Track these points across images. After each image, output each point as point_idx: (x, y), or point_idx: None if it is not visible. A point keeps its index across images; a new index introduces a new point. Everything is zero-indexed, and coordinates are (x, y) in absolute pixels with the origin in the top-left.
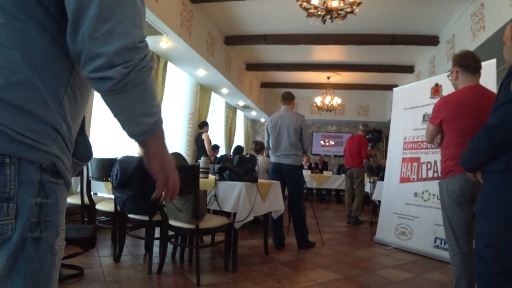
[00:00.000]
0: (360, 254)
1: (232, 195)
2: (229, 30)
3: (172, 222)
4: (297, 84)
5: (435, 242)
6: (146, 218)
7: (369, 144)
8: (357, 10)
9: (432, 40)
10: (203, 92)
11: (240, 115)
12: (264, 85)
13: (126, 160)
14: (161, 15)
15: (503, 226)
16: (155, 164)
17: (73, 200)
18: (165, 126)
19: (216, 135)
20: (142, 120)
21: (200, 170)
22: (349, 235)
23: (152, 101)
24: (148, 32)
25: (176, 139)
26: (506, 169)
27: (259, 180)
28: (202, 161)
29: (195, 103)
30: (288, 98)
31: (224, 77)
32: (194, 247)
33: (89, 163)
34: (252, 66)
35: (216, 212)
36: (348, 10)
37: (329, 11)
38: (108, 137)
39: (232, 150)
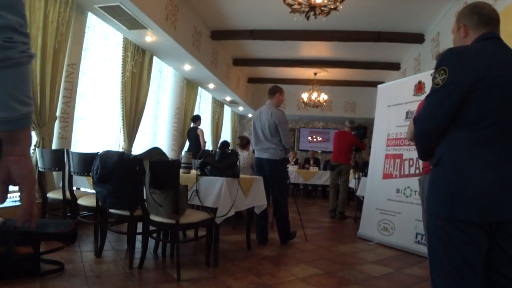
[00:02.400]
0: (342, 249)
1: (213, 190)
2: (215, 24)
3: (153, 217)
4: (285, 79)
5: (416, 237)
6: (127, 213)
7: None
8: (341, 7)
9: (417, 38)
10: (190, 87)
11: (227, 110)
12: (251, 80)
13: (107, 154)
14: (145, 8)
15: (441, 221)
16: (20, 170)
17: (55, 195)
18: (151, 121)
19: (203, 129)
20: (15, 106)
21: (182, 165)
22: (333, 230)
23: (28, 91)
24: (132, 26)
25: (161, 134)
26: (436, 163)
27: (241, 176)
28: (184, 156)
29: (181, 97)
30: (271, 92)
31: (210, 72)
32: (174, 242)
33: (70, 158)
34: (239, 61)
35: (198, 207)
36: (332, 7)
37: (312, 7)
38: (91, 131)
39: (218, 145)
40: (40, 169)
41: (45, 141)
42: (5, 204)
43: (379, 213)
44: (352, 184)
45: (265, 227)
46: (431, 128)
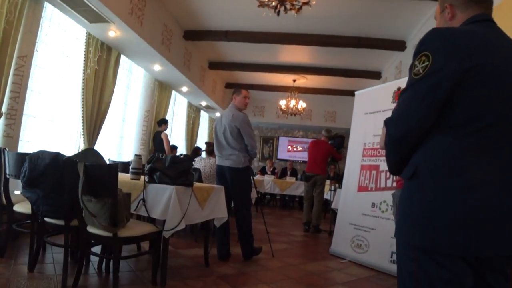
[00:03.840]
0: (311, 268)
1: (161, 199)
2: (188, 24)
3: (90, 229)
4: (263, 86)
5: (391, 256)
6: (62, 222)
7: None
8: (314, 2)
9: (398, 45)
10: (162, 89)
11: (204, 116)
12: (229, 85)
13: (38, 155)
14: (106, 0)
15: (415, 252)
16: None
17: None
18: (118, 123)
19: (176, 135)
20: None
21: (131, 170)
22: (304, 245)
23: None
24: (93, 19)
25: (129, 138)
26: (411, 175)
27: (198, 184)
28: (133, 160)
29: (151, 100)
30: (234, 93)
31: (182, 74)
32: (111, 258)
33: (6, 158)
34: (215, 65)
35: (146, 219)
36: (304, 1)
37: (282, 1)
38: (47, 131)
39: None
40: None
41: None
42: None
43: (352, 228)
44: (327, 195)
45: (226, 241)
46: (409, 130)
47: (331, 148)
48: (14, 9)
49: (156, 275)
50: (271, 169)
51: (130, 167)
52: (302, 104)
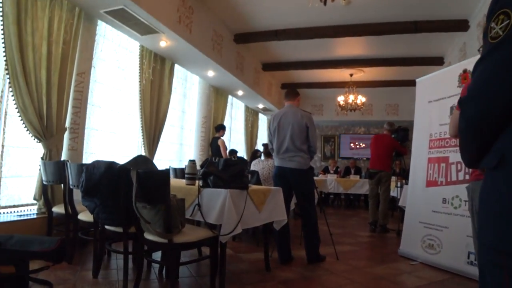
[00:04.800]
0: (379, 271)
1: (216, 204)
2: (237, 27)
3: (147, 236)
4: (320, 83)
5: (468, 257)
6: (121, 229)
7: None
8: None
9: (461, 25)
10: (218, 94)
11: (263, 118)
12: (285, 86)
13: (94, 165)
14: (152, 11)
15: (504, 258)
16: None
17: (60, 209)
18: (176, 130)
19: (235, 139)
20: None
21: (186, 175)
22: (371, 246)
23: None
24: (144, 31)
25: (188, 144)
26: (497, 164)
27: (254, 187)
28: (187, 165)
29: (208, 106)
30: (292, 94)
31: (236, 78)
32: (167, 264)
33: (69, 170)
34: (269, 66)
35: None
36: None
37: None
38: (110, 143)
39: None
40: (44, 183)
41: (52, 153)
42: (8, 219)
43: (422, 227)
44: (394, 192)
45: (287, 245)
46: (493, 109)
47: (394, 142)
48: (69, 29)
49: (214, 281)
50: (334, 168)
51: (185, 172)
52: (361, 99)
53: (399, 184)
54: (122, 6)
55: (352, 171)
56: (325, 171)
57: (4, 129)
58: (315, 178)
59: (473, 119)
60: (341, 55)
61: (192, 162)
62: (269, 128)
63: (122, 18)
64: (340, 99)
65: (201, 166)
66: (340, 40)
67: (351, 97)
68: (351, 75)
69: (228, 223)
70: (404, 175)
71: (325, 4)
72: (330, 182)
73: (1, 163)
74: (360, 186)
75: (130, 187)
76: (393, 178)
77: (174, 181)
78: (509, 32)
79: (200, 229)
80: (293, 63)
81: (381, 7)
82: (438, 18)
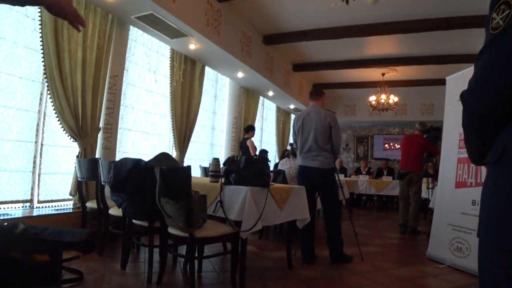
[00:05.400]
0: (403, 273)
1: (237, 201)
2: (266, 28)
3: (170, 230)
4: (352, 83)
5: None
6: (146, 224)
7: None
8: None
9: None
10: (248, 95)
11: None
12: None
13: (122, 162)
14: (180, 15)
15: (502, 256)
16: (57, 10)
17: (93, 204)
18: (207, 131)
19: (267, 139)
20: None
21: (210, 173)
22: (399, 248)
23: None
24: (173, 34)
25: (219, 145)
26: (498, 158)
27: (276, 185)
28: (211, 163)
29: (238, 106)
30: (316, 94)
31: (266, 79)
32: (188, 258)
33: (101, 167)
34: (299, 67)
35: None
36: None
37: None
38: (142, 143)
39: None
40: (79, 179)
41: (87, 152)
42: (46, 212)
43: (451, 229)
44: (425, 194)
45: (310, 244)
46: (494, 102)
47: (426, 142)
48: (103, 35)
49: (235, 276)
50: (366, 169)
51: (209, 170)
52: (393, 98)
53: (431, 186)
54: (152, 11)
55: (385, 172)
56: (357, 172)
57: (43, 129)
58: (346, 179)
59: (475, 113)
60: (372, 54)
61: (216, 160)
62: (293, 127)
63: (152, 23)
64: (372, 99)
65: (224, 164)
66: (371, 38)
67: (383, 97)
68: (383, 74)
69: (249, 220)
70: (437, 176)
71: (347, 3)
72: (362, 183)
73: (40, 161)
74: (393, 187)
75: (155, 183)
76: (425, 179)
77: (200, 179)
78: (510, 22)
79: (221, 225)
80: (323, 63)
81: (411, 4)
82: (471, 13)
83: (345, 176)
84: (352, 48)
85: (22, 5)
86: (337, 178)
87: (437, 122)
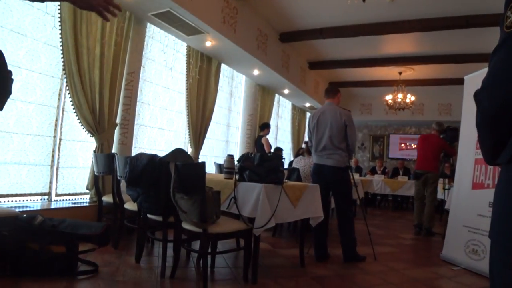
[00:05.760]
0: (416, 274)
1: (250, 197)
2: (282, 26)
3: (184, 225)
4: (368, 82)
5: None
6: (160, 218)
7: None
8: None
9: None
10: (264, 93)
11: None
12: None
13: (137, 157)
14: (197, 12)
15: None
16: (81, 2)
17: (109, 198)
18: (222, 128)
19: (282, 137)
20: None
21: (224, 170)
22: (413, 249)
23: None
24: (190, 32)
25: (234, 142)
26: (511, 158)
27: (290, 183)
28: (226, 160)
29: (254, 104)
30: (331, 92)
31: (281, 77)
32: (202, 253)
33: (117, 162)
34: (315, 65)
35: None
36: None
37: None
38: (157, 138)
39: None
40: (96, 174)
41: (104, 147)
42: (64, 205)
43: (467, 231)
44: (440, 195)
45: (323, 242)
46: (505, 100)
47: (442, 143)
48: (120, 32)
49: (247, 272)
50: (381, 169)
51: (223, 166)
52: (410, 98)
53: (447, 186)
54: (168, 8)
55: (401, 172)
56: (372, 171)
57: (61, 124)
58: (361, 178)
59: (488, 112)
60: (389, 52)
61: (230, 157)
62: (308, 125)
63: (169, 20)
64: (388, 97)
65: (238, 161)
66: (388, 37)
67: (399, 96)
68: (400, 73)
69: (262, 217)
70: (453, 177)
71: (364, 1)
72: (377, 183)
73: (58, 155)
74: (408, 187)
75: (170, 178)
76: (441, 180)
77: (214, 175)
78: None
79: (234, 221)
80: (339, 61)
81: (430, 2)
82: (491, 11)
83: (360, 175)
84: (368, 46)
85: (42, 0)
86: (351, 177)
87: (455, 123)
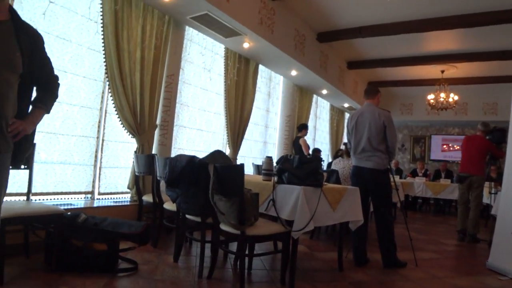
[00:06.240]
0: (460, 283)
1: (289, 200)
2: (320, 26)
3: (222, 226)
4: (409, 81)
5: None
6: (199, 219)
7: None
8: None
9: None
10: (302, 93)
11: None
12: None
13: (176, 159)
14: (234, 14)
15: None
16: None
17: (149, 198)
18: (260, 129)
19: (320, 138)
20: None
21: (263, 171)
22: (456, 256)
23: None
24: (228, 33)
25: (272, 143)
26: None
27: (329, 185)
28: (264, 162)
29: (292, 105)
30: (371, 92)
31: (320, 77)
32: (239, 255)
33: (157, 163)
34: (354, 64)
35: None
36: None
37: None
38: (196, 139)
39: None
40: (136, 174)
41: (144, 148)
42: (105, 204)
43: None
44: (486, 199)
45: (363, 246)
46: None
47: (489, 144)
48: (160, 35)
49: (285, 275)
50: (422, 171)
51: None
52: (453, 97)
53: (493, 191)
54: (206, 11)
55: (443, 175)
56: (413, 173)
57: (104, 126)
58: (401, 180)
59: None
60: (431, 50)
61: (269, 158)
62: (347, 127)
63: (207, 22)
64: (430, 97)
65: (277, 163)
66: (430, 34)
67: (442, 95)
68: (442, 71)
69: (300, 220)
70: (501, 180)
71: None
72: (418, 186)
73: (101, 155)
74: (451, 191)
75: (208, 179)
76: (487, 184)
77: (253, 177)
78: None
79: (273, 223)
80: (379, 60)
81: None
82: None
83: (401, 177)
84: (409, 44)
85: None
86: (392, 179)
87: (502, 123)
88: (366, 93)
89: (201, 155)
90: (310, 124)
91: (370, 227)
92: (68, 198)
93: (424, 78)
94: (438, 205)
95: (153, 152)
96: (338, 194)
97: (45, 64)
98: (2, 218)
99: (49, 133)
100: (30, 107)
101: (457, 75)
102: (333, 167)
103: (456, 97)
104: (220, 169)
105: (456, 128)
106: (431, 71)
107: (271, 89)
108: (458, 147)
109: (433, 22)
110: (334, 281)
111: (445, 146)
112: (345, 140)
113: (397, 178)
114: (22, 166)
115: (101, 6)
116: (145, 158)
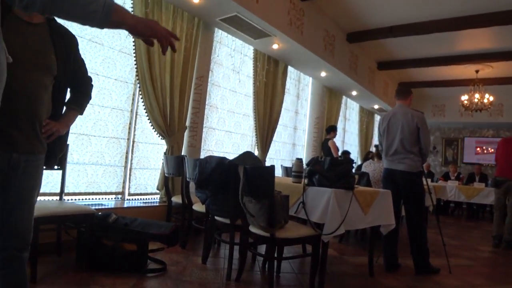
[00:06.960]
0: None
1: (320, 203)
2: (350, 26)
3: (251, 229)
4: (441, 81)
5: None
6: (228, 221)
7: None
8: None
9: None
10: (331, 95)
11: (379, 120)
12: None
13: (206, 160)
14: (263, 15)
15: None
16: (143, 29)
17: (178, 199)
18: (289, 131)
19: (349, 140)
20: (91, 8)
21: (293, 173)
22: (492, 263)
23: None
24: (257, 35)
25: (301, 145)
26: None
27: (361, 188)
28: (294, 164)
29: (321, 106)
30: (403, 93)
31: (349, 78)
32: (268, 257)
33: (186, 164)
34: (385, 65)
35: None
36: None
37: None
38: (225, 141)
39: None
40: (166, 175)
41: (174, 149)
42: (135, 204)
43: None
44: None
45: (394, 251)
46: None
47: None
48: (190, 38)
49: (314, 279)
50: (455, 174)
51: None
52: (488, 98)
53: None
54: (236, 13)
55: (477, 179)
56: (445, 177)
57: (135, 127)
58: (433, 184)
59: None
60: (465, 49)
61: (299, 160)
62: (378, 129)
63: (236, 24)
64: (464, 98)
65: (307, 165)
66: (464, 32)
67: (476, 96)
68: (477, 71)
69: (331, 223)
70: None
71: None
72: (451, 189)
73: (131, 156)
74: (485, 195)
75: (238, 181)
76: None
77: (282, 179)
78: None
79: (302, 226)
80: (410, 60)
81: None
82: None
83: (432, 180)
84: (442, 43)
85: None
86: (425, 182)
87: None
88: (398, 94)
89: (230, 157)
90: (339, 126)
91: (402, 231)
92: (99, 198)
93: (457, 78)
94: (471, 210)
95: (183, 153)
96: (370, 197)
97: (80, 66)
98: (36, 217)
99: (81, 134)
100: (64, 108)
101: (492, 75)
102: (363, 169)
103: (491, 98)
104: (250, 171)
105: (491, 130)
106: (465, 71)
107: (300, 91)
108: (492, 150)
109: (466, 20)
110: (365, 287)
111: (478, 149)
112: (375, 142)
113: (428, 181)
114: (56, 167)
115: (132, 9)
116: (174, 160)
